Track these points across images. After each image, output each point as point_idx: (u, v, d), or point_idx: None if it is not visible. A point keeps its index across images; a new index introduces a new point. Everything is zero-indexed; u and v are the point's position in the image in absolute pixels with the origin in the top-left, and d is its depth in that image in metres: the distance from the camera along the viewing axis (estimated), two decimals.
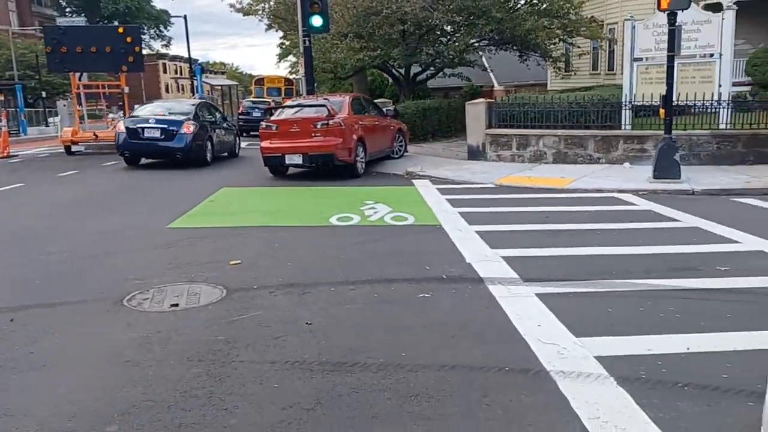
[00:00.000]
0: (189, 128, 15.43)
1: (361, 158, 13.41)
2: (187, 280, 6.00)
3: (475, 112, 15.13)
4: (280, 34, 29.30)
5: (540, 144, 14.22)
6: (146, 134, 15.43)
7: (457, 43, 20.71)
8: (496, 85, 40.48)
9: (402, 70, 23.93)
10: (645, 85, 14.70)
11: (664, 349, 4.23)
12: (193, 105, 17.08)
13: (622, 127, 14.61)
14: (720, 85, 14.24)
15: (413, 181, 12.81)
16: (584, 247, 7.10)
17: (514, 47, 22.51)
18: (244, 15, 23.34)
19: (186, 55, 45.93)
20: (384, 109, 16.10)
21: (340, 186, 12.17)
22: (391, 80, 27.10)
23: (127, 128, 15.60)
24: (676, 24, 11.07)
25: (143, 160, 16.46)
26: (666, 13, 10.94)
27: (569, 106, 14.77)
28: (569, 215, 9.07)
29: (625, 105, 14.77)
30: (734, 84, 23.20)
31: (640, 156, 13.11)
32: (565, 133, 14.00)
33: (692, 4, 15.40)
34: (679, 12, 14.12)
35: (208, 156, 16.01)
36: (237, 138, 18.78)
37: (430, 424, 3.34)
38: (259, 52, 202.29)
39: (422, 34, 21.02)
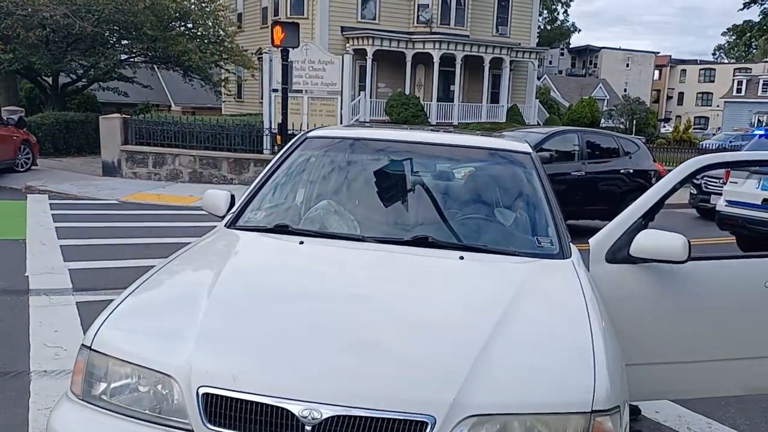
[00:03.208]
0: None
1: None
2: None
3: (110, 127, 14.65)
4: None
5: (176, 163, 14.36)
6: None
7: (107, 57, 19.80)
8: (172, 104, 39.64)
9: (49, 79, 21.99)
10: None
11: None
12: None
13: (264, 151, 15.59)
14: (341, 118, 16.16)
15: (29, 195, 11.84)
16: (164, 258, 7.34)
17: (175, 68, 22.39)
18: None
19: None
20: (6, 118, 14.58)
21: None
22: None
23: None
24: (289, 60, 12.27)
25: None
26: (280, 49, 12.04)
27: (210, 128, 15.23)
28: (173, 230, 9.30)
29: (266, 131, 15.82)
30: (375, 122, 26.63)
31: None
32: (200, 153, 14.39)
33: (315, 45, 17.24)
34: (307, 51, 15.81)
35: None
36: None
37: None
38: None
39: (70, 42, 19.66)
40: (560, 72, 62.30)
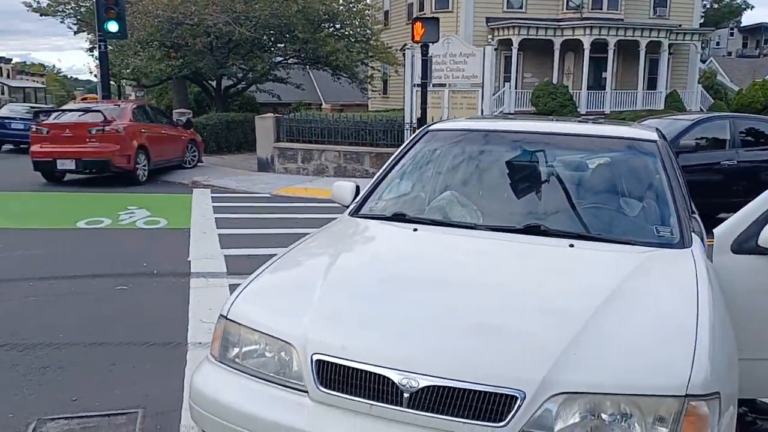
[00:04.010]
0: None
1: (143, 165, 13.44)
2: None
3: (264, 126, 15.75)
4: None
5: (323, 158, 15.14)
6: None
7: (263, 60, 21.27)
8: (323, 103, 41.55)
9: (213, 83, 24.03)
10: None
11: None
12: None
13: None
14: (482, 111, 16.10)
15: (194, 189, 13.07)
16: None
17: (325, 68, 23.53)
18: (41, 15, 22.16)
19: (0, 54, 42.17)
20: (176, 119, 16.19)
21: (114, 193, 12.13)
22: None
23: None
24: (430, 54, 12.45)
25: None
26: (420, 44, 12.28)
27: (354, 124, 15.87)
28: (317, 221, 9.80)
29: (407, 126, 16.19)
30: (521, 113, 26.17)
31: None
32: (345, 149, 15.05)
33: (456, 38, 17.25)
34: (448, 44, 15.91)
35: None
36: None
37: (40, 386, 3.78)
38: (86, 56, 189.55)
39: (231, 47, 21.37)
40: (729, 54, 57.09)
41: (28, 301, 5.41)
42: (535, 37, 27.39)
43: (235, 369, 2.39)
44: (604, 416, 1.93)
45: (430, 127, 3.92)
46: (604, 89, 28.31)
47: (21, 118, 21.11)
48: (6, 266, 6.48)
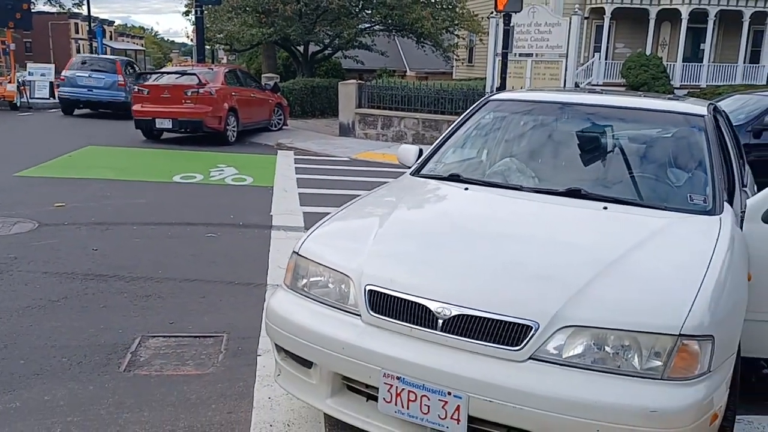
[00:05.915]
0: None
1: (233, 127, 14.24)
2: (8, 215, 6.81)
3: (347, 91, 16.24)
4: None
5: (402, 125, 15.52)
6: None
7: (350, 26, 21.70)
8: (408, 70, 41.68)
9: (301, 48, 24.72)
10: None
11: None
12: None
13: None
14: (565, 82, 15.95)
15: (279, 151, 13.79)
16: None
17: (410, 35, 23.72)
18: None
19: (103, 16, 44.66)
20: (264, 84, 16.93)
21: (205, 151, 12.98)
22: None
23: None
24: (513, 24, 12.48)
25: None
26: (502, 14, 12.33)
27: (434, 92, 16.11)
28: None
29: (487, 95, 16.28)
30: (609, 84, 25.49)
31: None
32: (424, 116, 15.35)
33: (542, 8, 17.00)
34: (533, 14, 15.79)
35: None
36: None
37: (143, 309, 4.44)
38: (183, 20, 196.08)
39: (319, 14, 21.91)
40: None
41: (132, 241, 6.15)
42: (629, 5, 26.40)
43: (303, 295, 2.87)
44: (607, 348, 2.26)
45: (491, 97, 4.23)
46: (701, 62, 27.07)
47: None
48: (114, 212, 7.30)
